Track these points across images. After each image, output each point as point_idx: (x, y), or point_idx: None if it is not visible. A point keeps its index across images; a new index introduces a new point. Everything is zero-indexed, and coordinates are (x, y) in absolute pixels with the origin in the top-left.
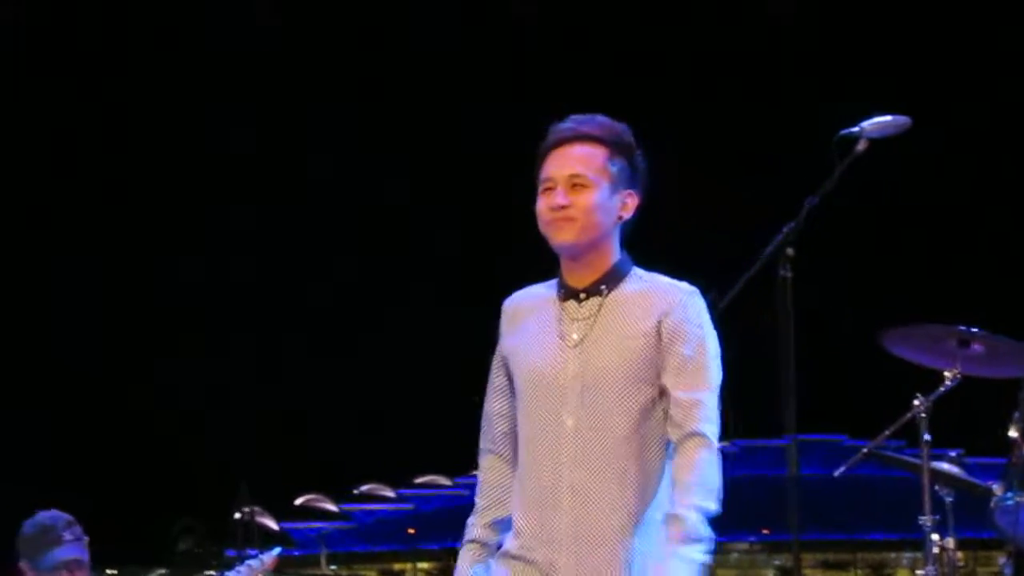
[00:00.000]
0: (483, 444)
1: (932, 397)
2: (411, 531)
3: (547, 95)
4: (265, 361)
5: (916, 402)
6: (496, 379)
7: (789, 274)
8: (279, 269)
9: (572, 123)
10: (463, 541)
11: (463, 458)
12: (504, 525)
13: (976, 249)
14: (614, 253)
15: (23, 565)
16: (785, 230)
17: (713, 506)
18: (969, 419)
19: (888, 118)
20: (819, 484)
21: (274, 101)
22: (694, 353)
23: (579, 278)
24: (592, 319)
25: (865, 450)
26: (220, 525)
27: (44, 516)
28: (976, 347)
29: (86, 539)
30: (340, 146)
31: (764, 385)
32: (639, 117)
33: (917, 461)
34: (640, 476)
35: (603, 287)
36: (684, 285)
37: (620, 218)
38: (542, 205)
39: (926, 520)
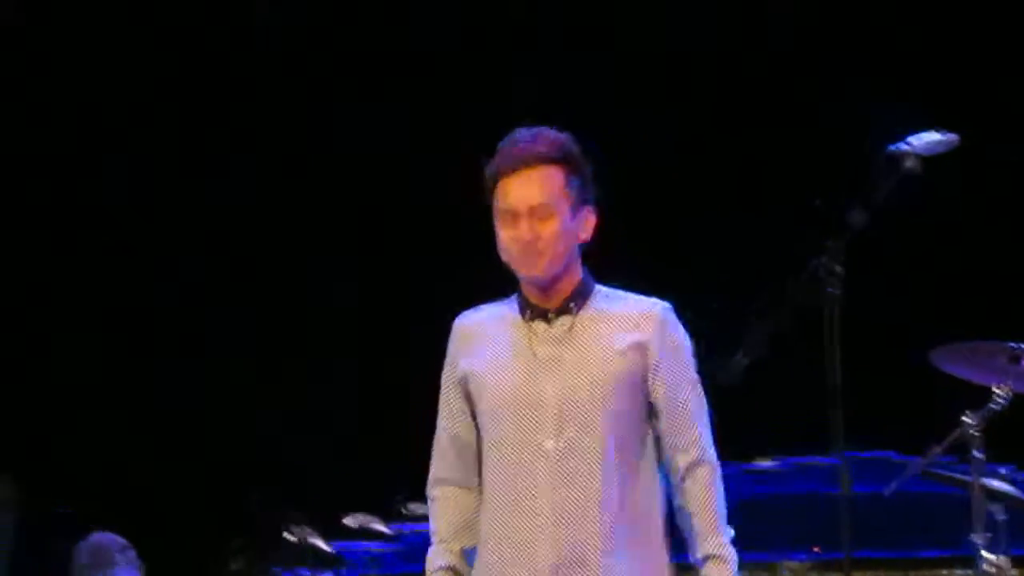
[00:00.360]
0: (438, 472)
1: (982, 414)
2: None
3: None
4: (315, 380)
5: (966, 419)
6: (453, 402)
7: (837, 292)
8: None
9: (523, 142)
10: (430, 571)
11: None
12: (472, 556)
13: None
14: (578, 270)
15: None
16: (832, 247)
17: (732, 530)
18: (1020, 436)
19: (936, 135)
20: (869, 502)
21: None
22: (683, 373)
23: (545, 299)
24: (564, 338)
25: (915, 467)
26: (271, 545)
27: (98, 538)
28: None
29: (140, 563)
30: None
31: (813, 402)
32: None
33: (968, 478)
34: (625, 498)
35: (572, 305)
36: (658, 301)
37: (580, 239)
38: (506, 237)
39: (977, 538)
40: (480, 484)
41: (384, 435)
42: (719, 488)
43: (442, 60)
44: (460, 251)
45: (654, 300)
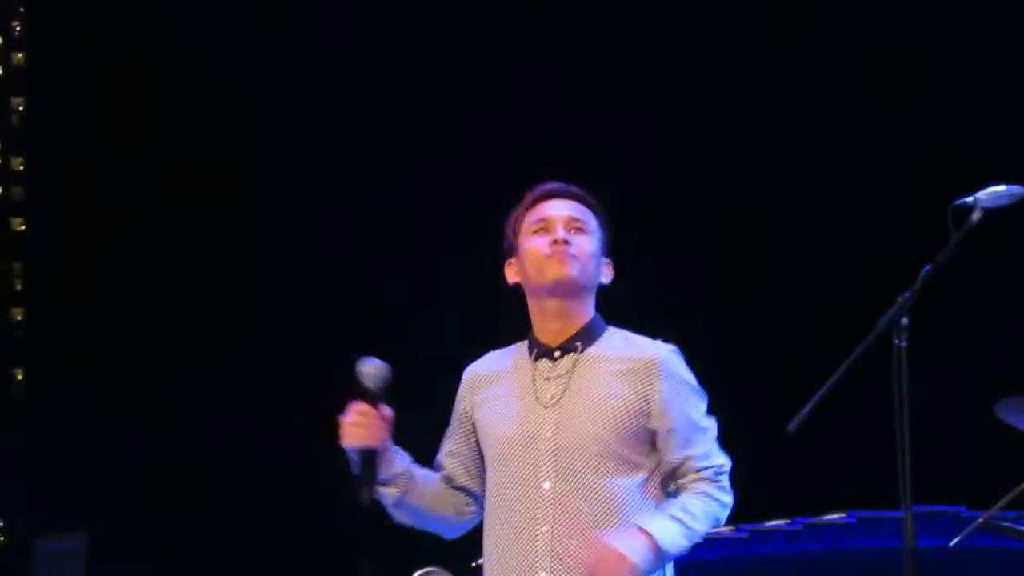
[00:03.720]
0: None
1: None
2: None
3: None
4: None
5: None
6: (455, 445)
7: (905, 344)
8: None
9: (559, 183)
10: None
11: None
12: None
13: None
14: (590, 311)
15: None
16: (900, 300)
17: (700, 531)
18: None
19: (1003, 188)
20: (936, 555)
21: None
22: (689, 411)
23: (553, 335)
24: (567, 377)
25: (980, 520)
26: None
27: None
28: None
29: None
30: None
31: (882, 456)
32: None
33: None
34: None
35: (577, 343)
36: (665, 344)
37: (600, 281)
38: (539, 242)
39: None
40: (476, 509)
41: None
42: (705, 493)
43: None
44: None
45: (660, 343)
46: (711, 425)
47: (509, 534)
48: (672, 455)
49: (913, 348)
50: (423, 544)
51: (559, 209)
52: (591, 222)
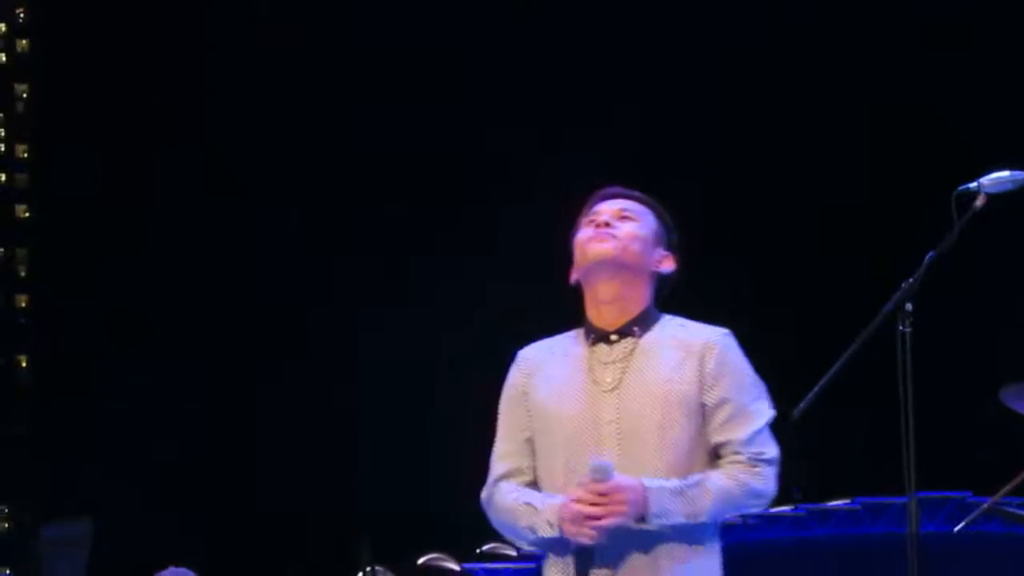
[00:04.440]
0: (500, 480)
1: None
2: None
3: None
4: (386, 413)
5: None
6: (514, 432)
7: (908, 330)
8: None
9: (618, 187)
10: (510, 500)
11: None
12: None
13: None
14: (645, 299)
15: None
16: (904, 286)
17: (707, 510)
18: None
19: (1006, 173)
20: (941, 541)
21: None
22: (742, 392)
23: (609, 319)
24: (625, 362)
25: (985, 506)
26: None
27: (171, 573)
28: None
29: None
30: None
31: (887, 443)
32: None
33: None
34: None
35: (635, 328)
36: (719, 329)
37: (657, 268)
38: (585, 230)
39: None
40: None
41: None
42: (734, 477)
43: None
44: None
45: (715, 327)
46: (762, 413)
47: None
48: (715, 435)
49: (917, 334)
50: (426, 529)
51: (610, 203)
52: (643, 214)
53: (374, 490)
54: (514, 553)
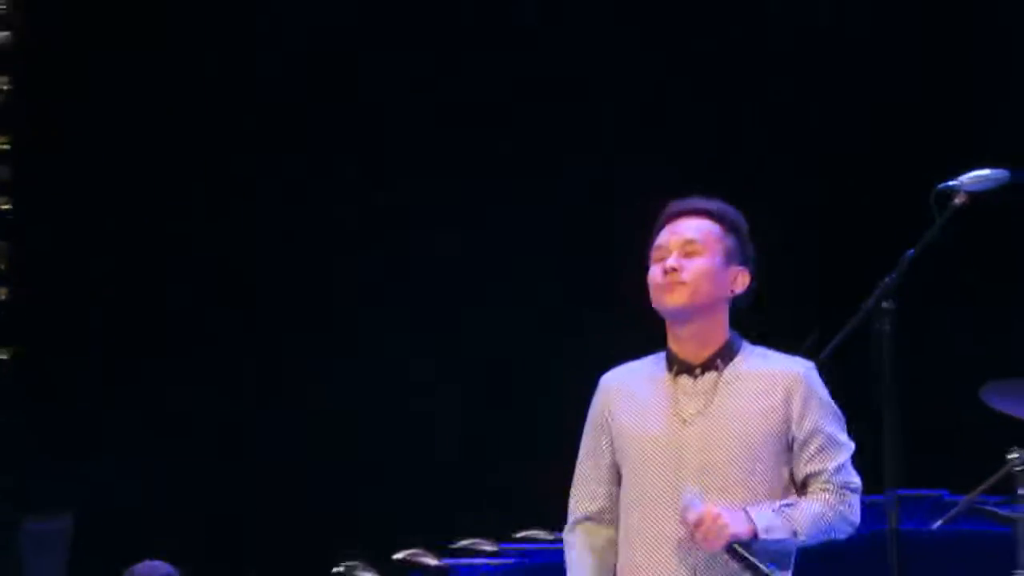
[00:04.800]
0: (580, 523)
1: None
2: None
3: None
4: (364, 413)
5: (1013, 455)
6: (601, 458)
7: (887, 328)
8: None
9: (689, 199)
10: None
11: (564, 513)
12: None
13: None
14: (725, 328)
15: None
16: (883, 284)
17: (804, 533)
18: None
19: (986, 171)
20: (919, 539)
21: None
22: (826, 429)
23: (692, 352)
24: (709, 395)
25: (962, 504)
26: None
27: (145, 567)
28: None
29: None
30: None
31: (865, 441)
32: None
33: (1014, 515)
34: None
35: (718, 361)
36: (801, 360)
37: (732, 292)
38: (655, 271)
39: (1021, 574)
40: (616, 530)
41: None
42: (826, 503)
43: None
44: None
45: (798, 359)
46: (847, 443)
47: (650, 545)
48: (805, 466)
49: (897, 332)
50: (404, 525)
51: (677, 231)
52: (711, 239)
53: (354, 486)
54: (493, 549)
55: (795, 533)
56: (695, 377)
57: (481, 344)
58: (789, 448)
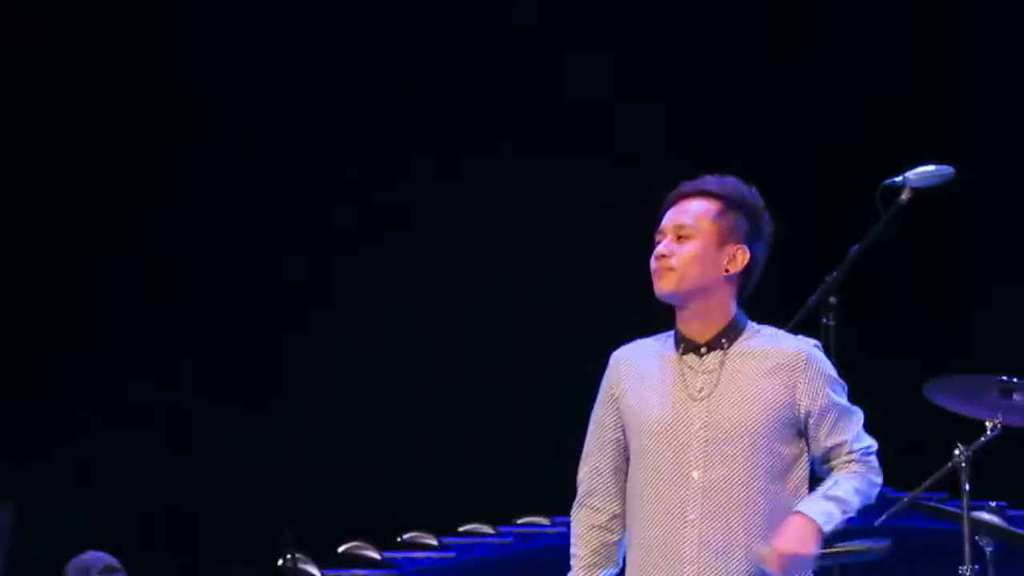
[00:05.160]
0: (583, 495)
1: (973, 447)
2: None
3: None
4: (310, 410)
5: (957, 452)
6: (606, 431)
7: (832, 323)
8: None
9: (695, 180)
10: None
11: (506, 506)
12: None
13: (1021, 298)
14: (729, 306)
15: None
16: (828, 279)
17: (853, 508)
18: (1010, 469)
19: (931, 167)
20: (861, 535)
21: None
22: (832, 400)
23: (697, 331)
24: (716, 373)
25: (905, 500)
26: (264, 571)
27: (88, 557)
28: (1018, 397)
29: None
30: None
31: None
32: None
33: (958, 511)
34: (771, 528)
35: (723, 340)
36: (806, 339)
37: (727, 272)
38: (652, 257)
39: (966, 570)
40: (623, 510)
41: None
42: (858, 472)
43: None
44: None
45: (803, 338)
46: (857, 410)
47: (655, 521)
48: (825, 440)
49: (841, 327)
50: (346, 517)
51: (671, 216)
52: (705, 221)
53: (298, 480)
54: (435, 543)
55: (846, 513)
56: (700, 356)
57: (394, 327)
58: (794, 426)
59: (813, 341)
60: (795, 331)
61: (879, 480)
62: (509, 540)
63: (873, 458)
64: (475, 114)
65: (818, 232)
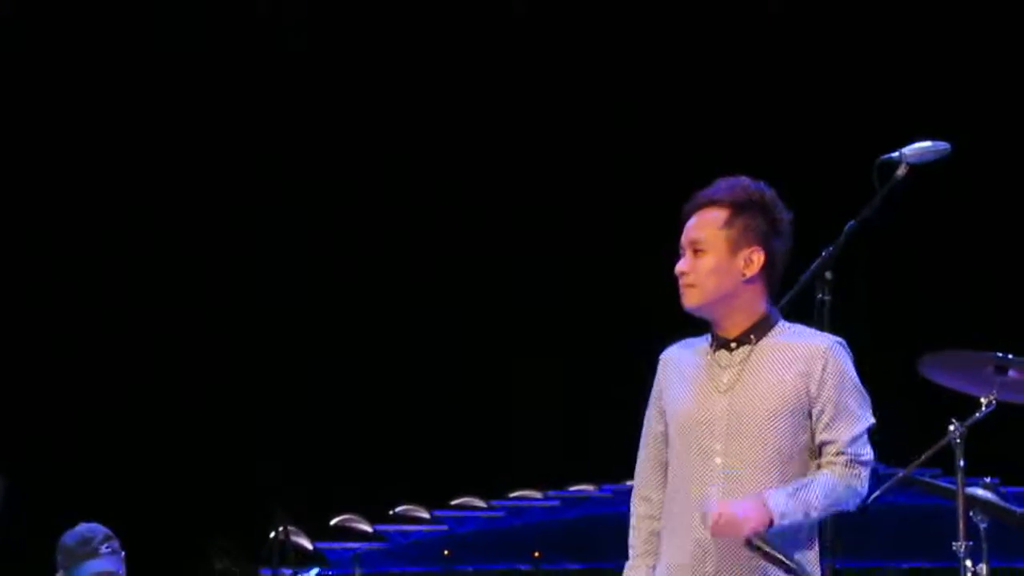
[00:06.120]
0: (639, 489)
1: (967, 423)
2: (447, 552)
3: None
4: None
5: (951, 428)
6: (654, 426)
7: (828, 298)
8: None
9: (706, 190)
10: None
11: (497, 480)
12: None
13: (1018, 275)
14: (757, 305)
15: (59, 575)
16: (824, 254)
17: (818, 508)
18: (1004, 445)
19: (928, 144)
20: (854, 512)
21: None
22: (842, 399)
23: (728, 329)
24: (741, 366)
25: (899, 476)
26: (255, 544)
27: (84, 528)
28: (1013, 373)
29: (123, 554)
30: None
31: None
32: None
33: (952, 487)
34: None
35: (751, 336)
36: (830, 336)
37: (744, 275)
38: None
39: (960, 546)
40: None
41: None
42: (839, 476)
43: None
44: None
45: (827, 335)
46: (865, 418)
47: (684, 505)
48: (820, 434)
49: (836, 302)
50: (341, 491)
51: (686, 232)
52: (714, 232)
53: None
54: (427, 516)
55: (807, 514)
56: (731, 351)
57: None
58: (809, 416)
59: (837, 338)
60: (790, 306)
61: (861, 490)
62: (500, 514)
63: (861, 468)
64: None
65: (816, 207)
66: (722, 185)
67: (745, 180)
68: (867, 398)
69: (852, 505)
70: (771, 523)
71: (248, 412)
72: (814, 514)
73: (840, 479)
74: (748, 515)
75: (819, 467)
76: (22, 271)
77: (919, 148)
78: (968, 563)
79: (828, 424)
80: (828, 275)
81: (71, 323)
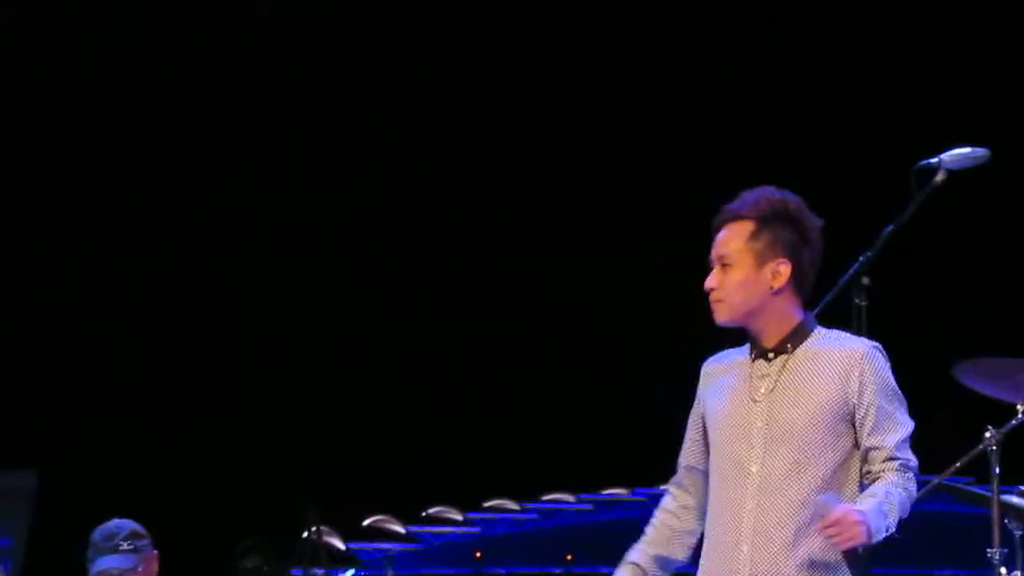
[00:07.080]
0: (670, 484)
1: (1003, 430)
2: (478, 554)
3: None
4: (332, 380)
5: (987, 435)
6: (692, 432)
7: (865, 303)
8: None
9: (732, 203)
10: (623, 562)
11: (530, 483)
12: (666, 563)
13: None
14: (791, 314)
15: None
16: (861, 259)
17: (895, 520)
18: None
19: (966, 150)
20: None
21: None
22: (883, 405)
23: (765, 339)
24: (778, 375)
25: (934, 483)
26: (287, 543)
27: (113, 524)
28: None
29: (154, 553)
30: None
31: None
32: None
33: (987, 494)
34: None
35: (788, 345)
36: (867, 340)
37: (771, 288)
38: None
39: (994, 553)
40: (694, 504)
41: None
42: (901, 485)
43: None
44: None
45: (864, 340)
46: (906, 421)
47: (722, 512)
48: (868, 438)
49: (873, 308)
50: (374, 492)
51: (714, 248)
52: (740, 246)
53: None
54: (459, 518)
55: (888, 528)
56: (769, 360)
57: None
58: (848, 422)
59: (873, 343)
60: (826, 312)
61: (915, 495)
62: (533, 516)
63: (910, 473)
64: None
65: (853, 213)
66: (747, 198)
67: (769, 191)
68: (905, 402)
69: (908, 512)
70: (868, 539)
71: (283, 412)
72: (893, 529)
73: (903, 490)
74: (856, 533)
75: (869, 474)
76: (65, 273)
77: (957, 154)
78: (1003, 570)
79: (873, 430)
80: (865, 280)
81: (113, 323)
